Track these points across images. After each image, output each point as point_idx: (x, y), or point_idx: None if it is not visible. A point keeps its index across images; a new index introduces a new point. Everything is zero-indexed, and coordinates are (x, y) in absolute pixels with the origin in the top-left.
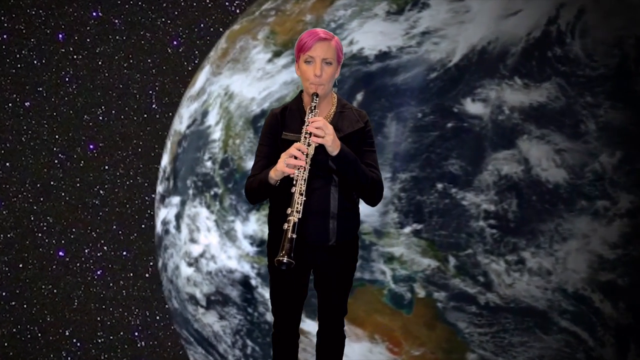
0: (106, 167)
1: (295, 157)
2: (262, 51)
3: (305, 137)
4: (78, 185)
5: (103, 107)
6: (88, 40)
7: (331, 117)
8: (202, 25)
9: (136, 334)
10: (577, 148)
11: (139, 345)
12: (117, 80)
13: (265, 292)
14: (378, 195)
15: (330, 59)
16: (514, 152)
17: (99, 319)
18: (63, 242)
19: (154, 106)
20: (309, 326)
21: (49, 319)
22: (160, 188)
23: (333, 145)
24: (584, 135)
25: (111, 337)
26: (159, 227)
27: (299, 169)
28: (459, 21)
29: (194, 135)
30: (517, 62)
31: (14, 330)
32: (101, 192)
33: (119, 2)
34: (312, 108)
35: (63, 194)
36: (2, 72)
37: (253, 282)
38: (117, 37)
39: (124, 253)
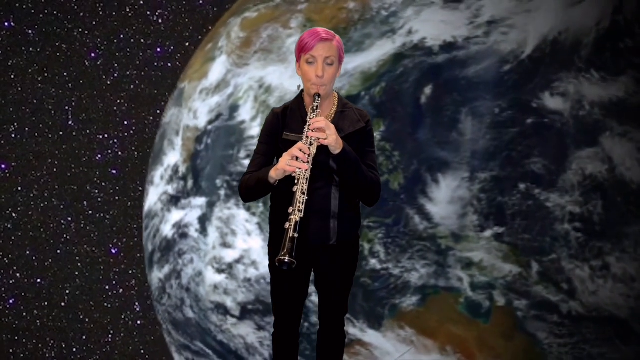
0: (19, 189)
1: (297, 158)
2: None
3: (307, 137)
4: None
5: (16, 124)
6: (0, 52)
7: (332, 117)
8: (121, 36)
9: None
10: None
11: None
12: (30, 95)
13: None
14: (376, 197)
15: (331, 59)
16: (598, 150)
17: (10, 351)
18: None
19: (70, 123)
20: (370, 337)
21: None
22: (169, 188)
23: (336, 145)
24: None
25: None
26: (167, 231)
27: (300, 168)
28: (525, 10)
29: (220, 131)
30: (591, 54)
31: None
32: (13, 215)
33: (33, 11)
34: (314, 108)
35: None
36: None
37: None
38: (31, 49)
39: (38, 280)
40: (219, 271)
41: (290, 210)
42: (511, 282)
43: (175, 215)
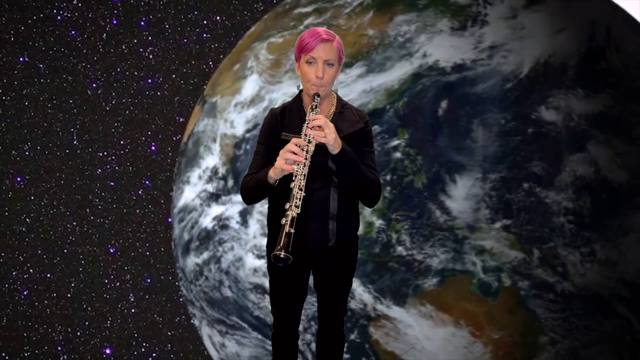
0: (32, 198)
1: (294, 153)
2: None
3: (305, 135)
4: (6, 213)
5: (29, 144)
6: (15, 82)
7: (331, 118)
8: (118, 69)
9: (59, 348)
10: (632, 151)
11: (61, 358)
12: (41, 119)
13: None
14: (376, 197)
15: (332, 60)
16: (585, 155)
17: (24, 335)
18: None
19: (75, 142)
20: (395, 312)
21: None
22: (208, 187)
23: (334, 144)
24: (636, 139)
25: (36, 351)
26: (207, 223)
27: (298, 164)
28: (519, 36)
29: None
30: (575, 74)
31: None
32: (27, 220)
33: (43, 48)
34: (313, 107)
35: None
36: None
37: None
38: (42, 80)
39: (48, 275)
40: (259, 257)
41: (287, 206)
42: (516, 266)
43: (216, 210)
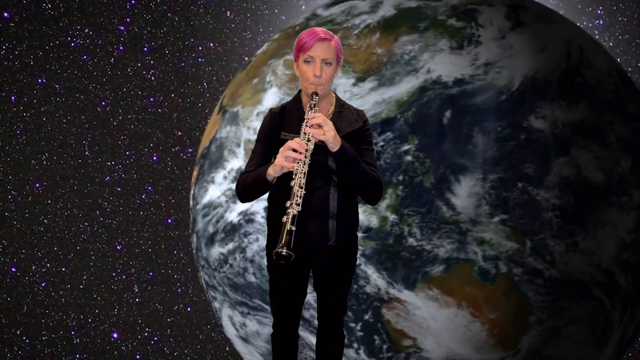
0: (49, 201)
1: (295, 150)
2: (343, 77)
3: (305, 133)
4: (27, 215)
5: (46, 154)
6: (35, 101)
7: (330, 117)
8: (124, 89)
9: (72, 332)
10: (607, 155)
11: (74, 342)
12: (57, 133)
13: (368, 270)
14: (378, 194)
15: (330, 59)
16: (569, 158)
17: (42, 321)
18: (15, 260)
19: (86, 153)
20: (406, 295)
21: (3, 321)
22: (233, 186)
23: (334, 142)
24: (609, 145)
25: (52, 335)
26: (233, 217)
27: (298, 162)
28: (508, 55)
29: None
30: (558, 88)
31: None
32: (45, 221)
33: (59, 71)
34: (312, 106)
35: (15, 222)
36: None
37: (358, 261)
38: (57, 99)
39: (63, 269)
40: None
41: (288, 204)
42: (511, 255)
43: (241, 206)
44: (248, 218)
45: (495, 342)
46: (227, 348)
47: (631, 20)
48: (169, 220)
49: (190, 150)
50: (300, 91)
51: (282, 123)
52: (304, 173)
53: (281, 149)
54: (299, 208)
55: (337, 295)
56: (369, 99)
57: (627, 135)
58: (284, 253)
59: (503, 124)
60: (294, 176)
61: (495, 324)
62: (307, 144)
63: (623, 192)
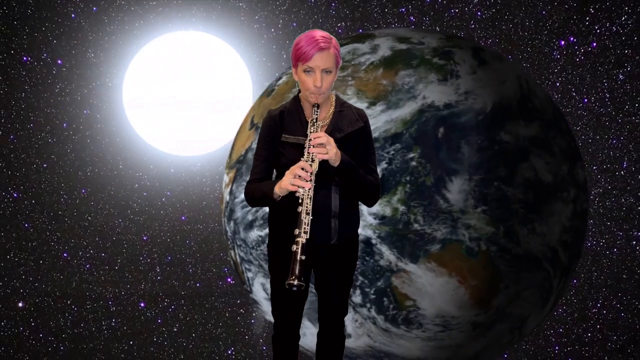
0: (92, 203)
1: (301, 176)
2: (357, 101)
3: (308, 153)
4: (75, 214)
5: (90, 167)
6: (81, 127)
7: (331, 117)
8: None
9: (109, 302)
10: (553, 162)
11: (111, 309)
12: (98, 152)
13: (382, 248)
14: (375, 198)
15: (329, 67)
16: (529, 164)
17: (87, 294)
18: (66, 248)
19: (120, 166)
20: (410, 267)
21: (57, 294)
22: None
23: (335, 158)
24: (554, 154)
25: (94, 305)
26: (267, 208)
27: (304, 188)
28: (481, 86)
29: None
30: (518, 111)
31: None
32: (89, 218)
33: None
34: (314, 121)
35: (66, 219)
36: None
37: (373, 241)
38: (99, 125)
39: (102, 254)
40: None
41: (297, 232)
42: (489, 237)
43: None
44: None
45: (474, 302)
46: (227, 314)
47: None
48: (183, 217)
49: (199, 164)
50: (299, 91)
51: (282, 125)
52: (310, 198)
53: (287, 172)
54: (307, 236)
55: (338, 296)
56: (380, 119)
57: (564, 146)
58: (296, 284)
59: (482, 137)
60: (300, 202)
61: (475, 289)
62: (311, 165)
63: (564, 189)
